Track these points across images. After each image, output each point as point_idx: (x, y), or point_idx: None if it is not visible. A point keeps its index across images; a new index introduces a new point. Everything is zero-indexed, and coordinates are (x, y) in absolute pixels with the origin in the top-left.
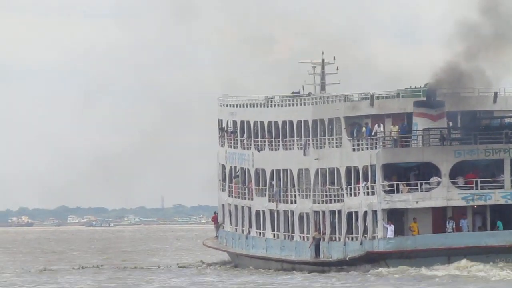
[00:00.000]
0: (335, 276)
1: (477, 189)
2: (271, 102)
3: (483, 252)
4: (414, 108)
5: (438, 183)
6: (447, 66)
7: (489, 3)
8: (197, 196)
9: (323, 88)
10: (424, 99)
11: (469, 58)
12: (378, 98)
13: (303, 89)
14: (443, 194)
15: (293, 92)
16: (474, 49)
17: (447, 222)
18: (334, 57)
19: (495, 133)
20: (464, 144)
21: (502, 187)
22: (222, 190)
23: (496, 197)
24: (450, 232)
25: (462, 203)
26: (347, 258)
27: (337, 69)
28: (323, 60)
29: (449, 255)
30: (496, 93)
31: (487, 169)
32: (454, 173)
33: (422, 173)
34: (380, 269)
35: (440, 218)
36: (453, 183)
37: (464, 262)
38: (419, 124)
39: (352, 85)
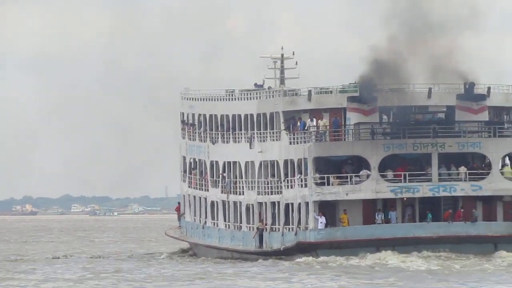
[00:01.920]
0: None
1: (405, 182)
2: (231, 95)
3: (411, 243)
4: (347, 103)
5: (368, 176)
6: (372, 58)
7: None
8: None
9: (282, 82)
10: (357, 94)
11: (391, 50)
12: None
13: (264, 83)
14: (372, 187)
15: (256, 84)
16: (397, 41)
17: (376, 214)
18: (293, 52)
19: (424, 128)
20: (393, 139)
21: (430, 180)
22: (184, 181)
23: (424, 190)
24: (379, 223)
25: (391, 195)
26: (281, 248)
27: (296, 63)
28: (282, 55)
29: (378, 245)
30: (430, 89)
31: (416, 163)
32: (385, 167)
33: (357, 166)
34: (310, 258)
35: (370, 210)
36: (382, 176)
37: (387, 253)
38: (352, 118)
39: (317, 79)
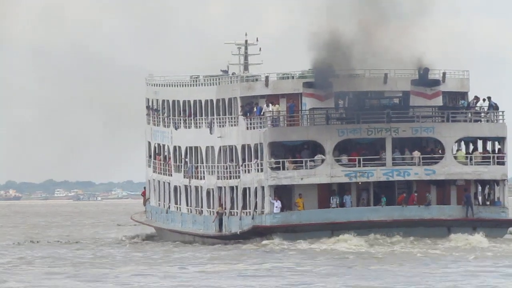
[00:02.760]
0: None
1: (359, 166)
2: (196, 81)
3: (365, 227)
4: (303, 89)
5: (322, 161)
6: (327, 41)
7: None
8: None
9: (246, 68)
10: (313, 80)
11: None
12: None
13: (228, 69)
14: (327, 171)
15: (222, 71)
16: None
17: (331, 198)
18: (257, 38)
19: (378, 113)
20: (347, 124)
21: (384, 164)
22: (149, 166)
23: (378, 174)
24: (334, 207)
25: (345, 179)
26: (238, 232)
27: (260, 50)
28: (246, 41)
29: (333, 229)
30: (386, 74)
31: (370, 148)
32: (339, 151)
33: (313, 151)
34: (265, 242)
35: (325, 194)
36: (337, 160)
37: (341, 236)
38: (308, 104)
39: (281, 64)
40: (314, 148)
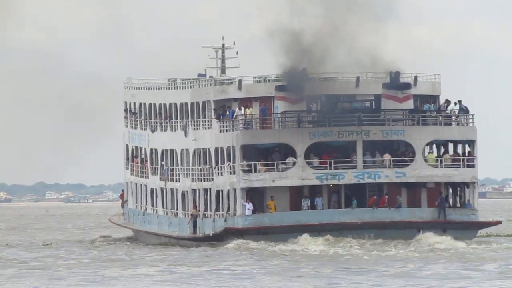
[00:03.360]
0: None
1: (331, 169)
2: (173, 84)
3: (336, 229)
4: (275, 92)
5: (294, 164)
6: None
7: None
8: None
9: (223, 71)
10: (285, 83)
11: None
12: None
13: (205, 72)
14: (298, 174)
15: (199, 74)
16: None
17: (303, 200)
18: (234, 42)
19: (349, 116)
20: (319, 127)
21: (355, 167)
22: (127, 169)
23: (349, 176)
24: (305, 209)
25: (317, 182)
26: (211, 234)
27: (237, 53)
28: (223, 44)
29: (304, 231)
30: (358, 78)
31: (342, 150)
32: (312, 154)
33: (284, 153)
34: (237, 243)
35: (296, 196)
36: (308, 163)
37: (305, 237)
38: (280, 107)
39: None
40: (286, 151)
